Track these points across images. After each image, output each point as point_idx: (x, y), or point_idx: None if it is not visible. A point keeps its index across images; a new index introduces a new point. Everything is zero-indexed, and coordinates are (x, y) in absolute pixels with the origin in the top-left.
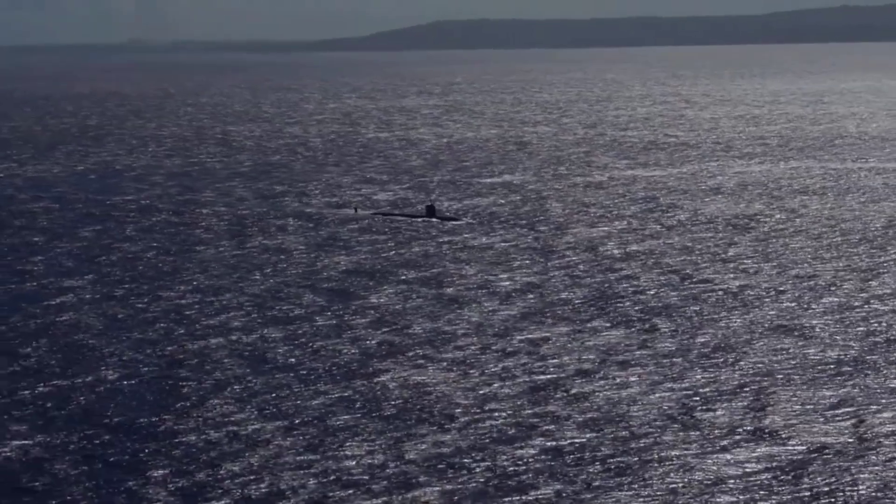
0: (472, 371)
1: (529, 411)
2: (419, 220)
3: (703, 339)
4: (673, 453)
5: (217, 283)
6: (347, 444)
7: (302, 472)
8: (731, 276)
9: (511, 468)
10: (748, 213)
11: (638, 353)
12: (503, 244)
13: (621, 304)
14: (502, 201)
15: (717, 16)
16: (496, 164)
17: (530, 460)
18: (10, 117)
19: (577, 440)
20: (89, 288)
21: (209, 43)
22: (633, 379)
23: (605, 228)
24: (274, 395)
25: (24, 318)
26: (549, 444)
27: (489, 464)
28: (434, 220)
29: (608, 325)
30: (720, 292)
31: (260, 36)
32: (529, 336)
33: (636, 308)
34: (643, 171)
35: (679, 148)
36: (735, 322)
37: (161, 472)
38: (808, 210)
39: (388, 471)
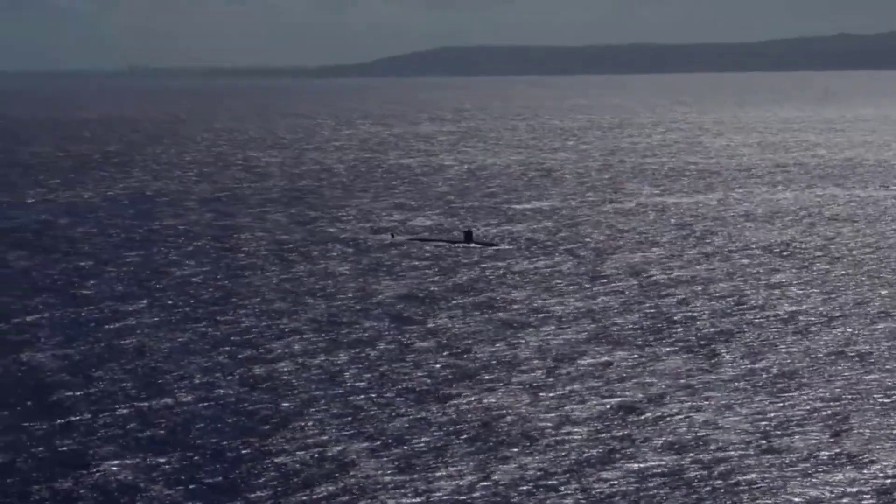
0: (542, 394)
1: (607, 434)
2: (458, 245)
3: (765, 365)
4: (756, 477)
5: (272, 307)
6: (433, 465)
7: (394, 493)
8: (781, 301)
9: (599, 490)
10: (785, 239)
11: (704, 377)
12: (548, 269)
13: (677, 329)
14: (537, 227)
15: (713, 43)
16: (523, 191)
17: (616, 483)
18: (28, 143)
19: (659, 464)
20: (147, 313)
21: (209, 69)
22: (704, 403)
23: (646, 254)
24: (351, 417)
25: (90, 343)
26: (632, 466)
27: (577, 485)
28: (472, 245)
29: (668, 349)
30: (773, 318)
31: (259, 62)
32: (593, 360)
33: (693, 333)
34: (672, 197)
35: (702, 175)
36: (793, 347)
37: (255, 494)
38: (843, 236)
39: (477, 492)
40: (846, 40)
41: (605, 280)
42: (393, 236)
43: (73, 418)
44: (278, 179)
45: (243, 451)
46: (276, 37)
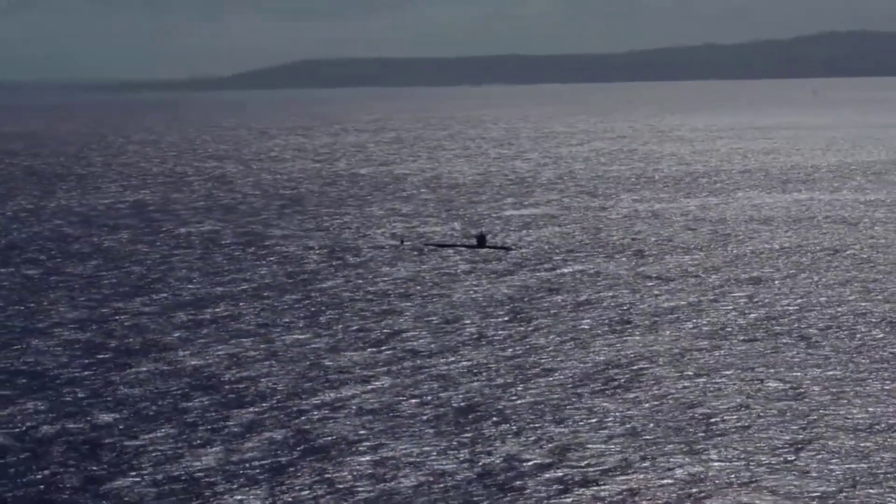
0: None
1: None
2: (471, 250)
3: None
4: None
5: (327, 316)
6: (440, 458)
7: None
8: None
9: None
10: (804, 241)
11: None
12: (591, 273)
13: (782, 325)
14: (547, 232)
15: (581, 54)
16: (509, 197)
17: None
18: None
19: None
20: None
21: (68, 83)
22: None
23: (671, 255)
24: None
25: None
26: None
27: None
28: (486, 249)
29: (796, 347)
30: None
31: (113, 75)
32: (716, 356)
33: (808, 328)
34: (659, 203)
35: (670, 181)
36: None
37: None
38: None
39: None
40: (713, 50)
41: (663, 282)
42: (402, 242)
43: None
44: (251, 189)
45: (366, 457)
46: (129, 49)
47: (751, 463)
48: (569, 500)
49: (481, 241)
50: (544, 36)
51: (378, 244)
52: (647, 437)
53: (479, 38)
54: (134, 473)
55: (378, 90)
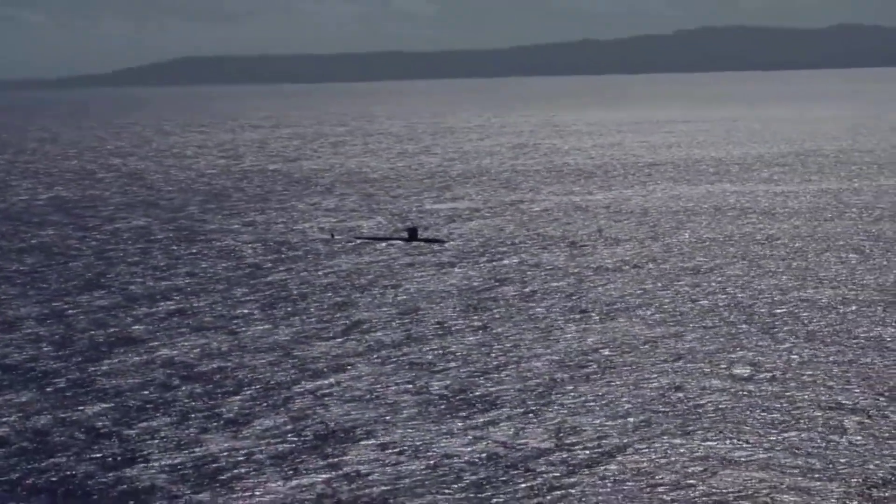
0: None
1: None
2: (401, 243)
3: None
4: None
5: (284, 308)
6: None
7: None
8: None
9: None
10: (728, 232)
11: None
12: (532, 264)
13: (733, 311)
14: (475, 225)
15: (461, 50)
16: (425, 192)
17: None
18: None
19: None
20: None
21: None
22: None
23: (619, 246)
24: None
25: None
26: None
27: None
28: (417, 242)
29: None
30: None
31: None
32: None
33: (759, 313)
34: (574, 196)
35: (583, 174)
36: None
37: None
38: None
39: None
40: (591, 46)
41: (628, 271)
42: (332, 236)
43: None
44: (166, 185)
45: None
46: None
47: (737, 441)
48: (569, 482)
49: (412, 234)
50: (427, 32)
51: (309, 238)
52: (633, 419)
53: (360, 36)
54: (131, 466)
55: (259, 88)
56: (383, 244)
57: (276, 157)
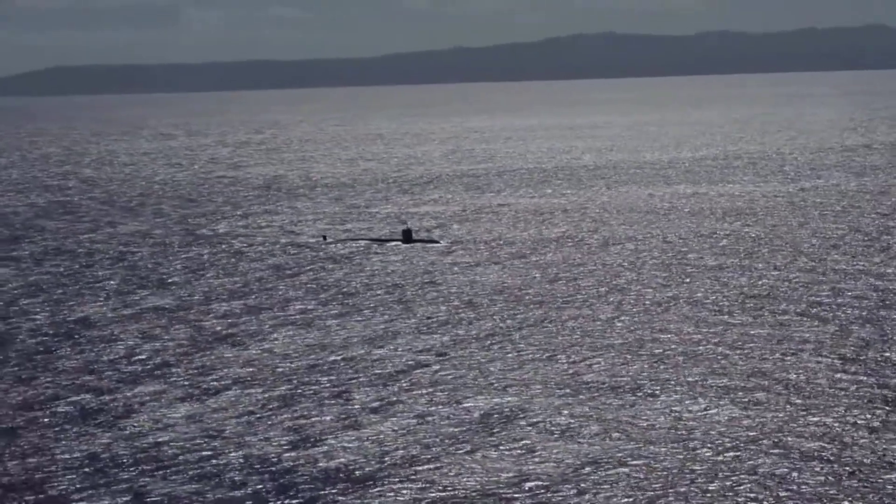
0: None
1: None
2: (401, 244)
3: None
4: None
5: (313, 314)
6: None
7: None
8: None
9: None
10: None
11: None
12: (536, 263)
13: (722, 306)
14: (459, 226)
15: (332, 59)
16: (384, 196)
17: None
18: None
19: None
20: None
21: None
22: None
23: (602, 247)
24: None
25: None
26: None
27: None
28: (414, 244)
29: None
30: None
31: None
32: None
33: (750, 306)
34: (538, 199)
35: (530, 178)
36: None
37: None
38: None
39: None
40: (463, 53)
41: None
42: (325, 238)
43: None
44: (162, 193)
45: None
46: None
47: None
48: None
49: (408, 235)
50: (300, 40)
51: (303, 242)
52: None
53: (234, 44)
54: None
55: (135, 97)
56: (382, 245)
57: (219, 164)
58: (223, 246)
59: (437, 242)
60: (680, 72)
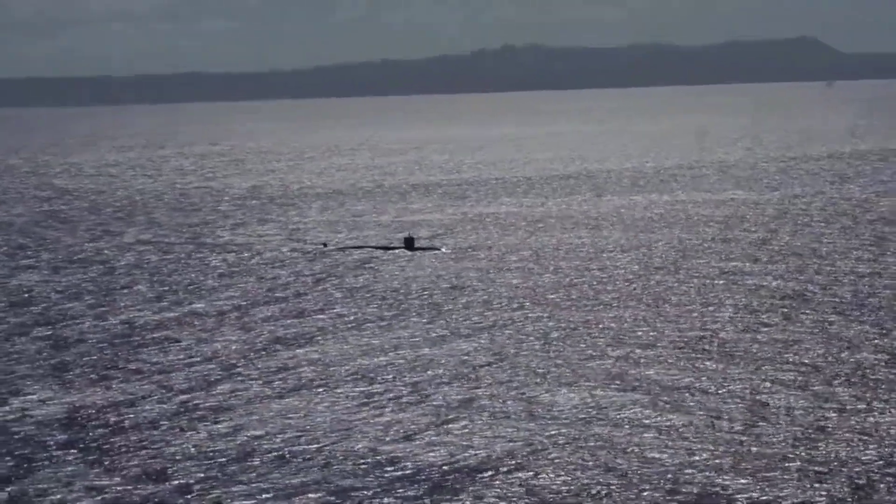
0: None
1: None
2: (404, 251)
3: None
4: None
5: (347, 322)
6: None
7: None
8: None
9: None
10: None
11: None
12: (539, 269)
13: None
14: (454, 234)
15: (261, 72)
16: (388, 203)
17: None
18: None
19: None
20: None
21: None
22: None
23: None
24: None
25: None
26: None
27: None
28: (415, 251)
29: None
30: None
31: None
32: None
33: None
34: (503, 207)
35: (504, 187)
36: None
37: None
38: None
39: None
40: (391, 66)
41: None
42: (325, 246)
43: None
44: (150, 202)
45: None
46: None
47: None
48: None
49: (409, 243)
50: (230, 52)
51: (303, 249)
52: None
53: (160, 57)
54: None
55: (68, 110)
56: (386, 253)
57: (190, 175)
58: (242, 254)
59: (437, 249)
60: (610, 84)
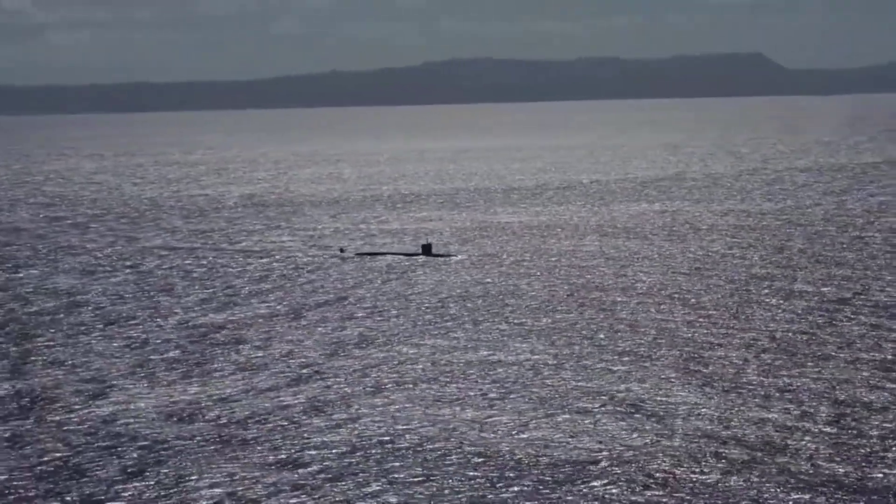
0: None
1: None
2: (424, 257)
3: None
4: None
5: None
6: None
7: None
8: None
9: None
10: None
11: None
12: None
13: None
14: (471, 241)
15: (204, 81)
16: (389, 211)
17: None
18: None
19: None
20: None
21: None
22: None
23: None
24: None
25: None
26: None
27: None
28: (433, 257)
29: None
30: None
31: None
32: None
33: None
34: (495, 217)
35: (493, 196)
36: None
37: None
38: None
39: None
40: (339, 77)
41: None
42: (342, 251)
43: None
44: (157, 206)
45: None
46: None
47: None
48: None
49: (427, 249)
50: (174, 63)
51: (321, 256)
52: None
53: (107, 66)
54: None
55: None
56: (404, 259)
57: (175, 183)
58: (263, 259)
59: (453, 256)
60: (559, 97)
